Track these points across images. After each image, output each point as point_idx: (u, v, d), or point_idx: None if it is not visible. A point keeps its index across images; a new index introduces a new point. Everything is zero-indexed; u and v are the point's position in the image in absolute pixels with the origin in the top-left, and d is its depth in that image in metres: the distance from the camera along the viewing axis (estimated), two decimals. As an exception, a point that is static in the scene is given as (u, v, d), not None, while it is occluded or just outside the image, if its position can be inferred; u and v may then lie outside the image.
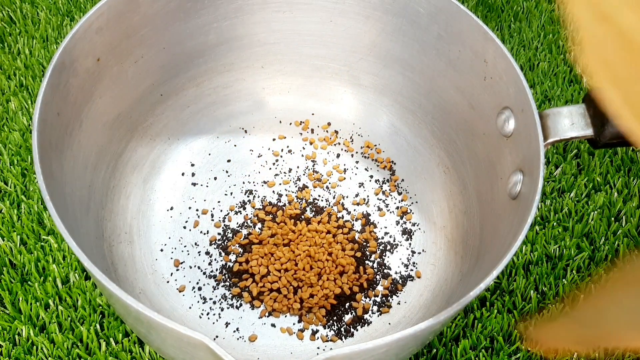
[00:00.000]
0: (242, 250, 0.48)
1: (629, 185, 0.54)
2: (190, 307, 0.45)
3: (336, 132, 0.55)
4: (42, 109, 0.35)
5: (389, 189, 0.52)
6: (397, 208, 0.51)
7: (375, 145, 0.54)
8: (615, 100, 0.13)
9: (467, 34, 0.43)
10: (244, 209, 0.50)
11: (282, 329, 0.45)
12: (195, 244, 0.48)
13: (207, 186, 0.51)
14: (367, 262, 0.48)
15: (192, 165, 0.52)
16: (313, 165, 0.53)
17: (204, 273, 0.47)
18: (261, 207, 0.51)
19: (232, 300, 0.46)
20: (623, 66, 0.12)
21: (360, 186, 0.52)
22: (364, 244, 0.49)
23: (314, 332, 0.45)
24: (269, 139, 0.55)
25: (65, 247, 0.48)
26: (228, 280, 0.47)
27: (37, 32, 0.62)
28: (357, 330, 0.45)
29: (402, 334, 0.27)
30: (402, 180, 0.52)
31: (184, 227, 0.49)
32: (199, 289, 0.46)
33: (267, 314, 0.45)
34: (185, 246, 0.48)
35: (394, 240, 0.49)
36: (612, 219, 0.52)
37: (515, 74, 0.39)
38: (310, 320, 0.45)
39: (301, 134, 0.55)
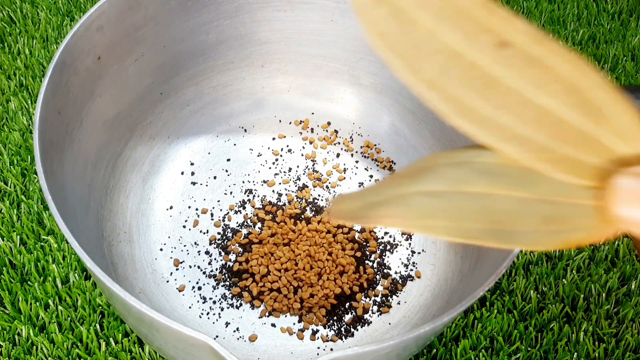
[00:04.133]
0: (242, 250, 0.48)
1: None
2: (190, 307, 0.45)
3: (336, 131, 0.55)
4: (43, 108, 0.35)
5: (389, 189, 0.52)
6: (397, 208, 0.51)
7: (375, 145, 0.54)
8: (396, 66, 0.16)
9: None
10: (244, 208, 0.50)
11: (282, 329, 0.45)
12: (195, 243, 0.48)
13: (206, 185, 0.51)
14: (367, 262, 0.48)
15: (192, 164, 0.52)
16: (313, 165, 0.53)
17: (204, 273, 0.47)
18: (261, 206, 0.50)
19: (232, 300, 0.46)
20: (399, 36, 0.15)
21: (360, 186, 0.52)
22: (364, 243, 0.49)
23: (314, 332, 0.45)
24: (268, 138, 0.55)
25: (65, 247, 0.48)
26: (228, 279, 0.47)
27: (37, 32, 0.62)
28: (357, 330, 0.45)
29: (406, 335, 0.27)
30: (402, 180, 0.52)
31: (184, 227, 0.49)
32: (199, 288, 0.46)
33: (267, 314, 0.45)
34: (185, 245, 0.48)
35: (394, 240, 0.49)
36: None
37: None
38: (310, 320, 0.45)
39: (301, 133, 0.55)
